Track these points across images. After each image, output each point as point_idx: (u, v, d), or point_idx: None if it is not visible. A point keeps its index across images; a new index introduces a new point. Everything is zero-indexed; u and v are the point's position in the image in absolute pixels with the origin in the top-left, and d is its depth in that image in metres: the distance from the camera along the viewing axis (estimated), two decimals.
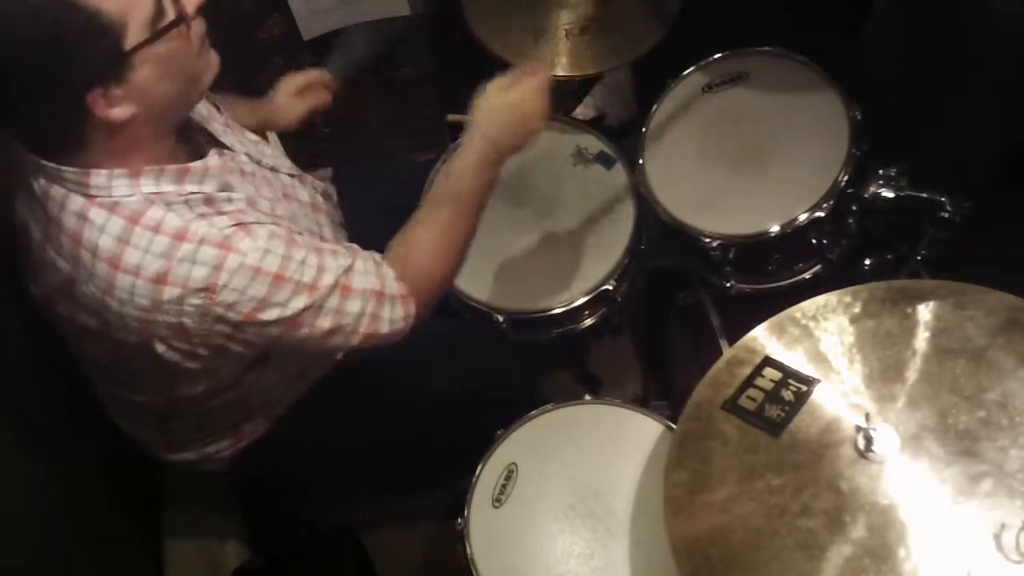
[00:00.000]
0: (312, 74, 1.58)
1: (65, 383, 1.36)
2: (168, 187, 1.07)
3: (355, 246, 1.23)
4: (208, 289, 1.03)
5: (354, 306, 1.14)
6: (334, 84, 1.61)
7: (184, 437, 1.36)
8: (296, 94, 1.55)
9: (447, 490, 1.60)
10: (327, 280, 1.11)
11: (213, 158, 1.14)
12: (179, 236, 1.03)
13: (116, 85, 0.99)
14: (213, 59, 1.11)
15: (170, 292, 1.03)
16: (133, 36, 0.97)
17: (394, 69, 1.92)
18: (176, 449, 1.39)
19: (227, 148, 1.23)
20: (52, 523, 1.34)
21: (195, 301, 1.04)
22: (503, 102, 1.25)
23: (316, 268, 1.10)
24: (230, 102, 1.42)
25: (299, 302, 1.08)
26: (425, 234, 1.24)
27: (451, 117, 1.44)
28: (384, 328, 1.18)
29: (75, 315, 1.11)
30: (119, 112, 1.00)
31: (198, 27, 1.06)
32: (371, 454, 1.48)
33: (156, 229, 1.03)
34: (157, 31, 0.99)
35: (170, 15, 1.00)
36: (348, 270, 1.14)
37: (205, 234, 1.04)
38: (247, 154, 1.27)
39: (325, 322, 1.12)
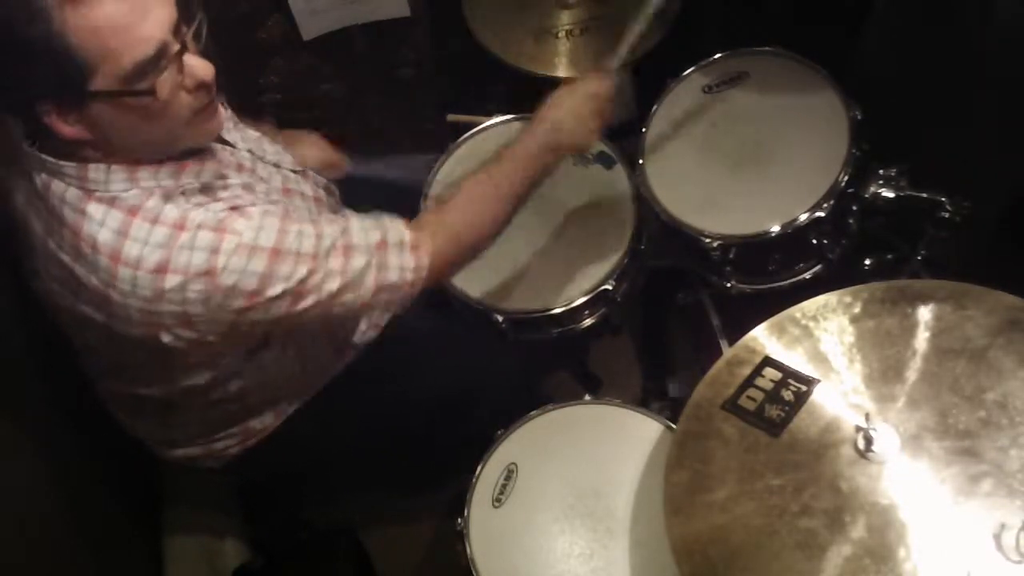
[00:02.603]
0: (336, 157, 1.59)
1: (65, 382, 1.36)
2: (166, 181, 1.07)
3: (351, 212, 1.24)
4: (208, 273, 1.03)
5: (358, 262, 1.14)
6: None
7: (188, 432, 1.36)
8: (316, 163, 1.54)
9: (447, 490, 1.60)
10: (326, 244, 1.11)
11: (209, 153, 1.14)
12: (177, 226, 1.03)
13: (71, 109, 0.98)
14: (215, 123, 1.10)
15: (171, 280, 1.03)
16: (101, 81, 0.96)
17: (394, 69, 1.92)
18: (180, 445, 1.39)
19: (228, 144, 1.23)
20: (52, 522, 1.34)
21: (197, 287, 1.04)
22: (573, 94, 1.30)
23: (314, 236, 1.10)
24: (256, 125, 1.42)
25: (302, 271, 1.08)
26: (463, 196, 1.27)
27: (451, 117, 1.44)
28: (393, 276, 1.17)
29: (78, 308, 1.12)
30: (69, 130, 0.99)
31: (195, 102, 1.04)
32: (371, 454, 1.49)
33: (154, 220, 1.03)
34: (124, 91, 0.97)
35: (160, 88, 0.98)
36: (345, 230, 1.14)
37: (202, 220, 1.04)
38: (249, 150, 1.27)
39: (332, 284, 1.12)
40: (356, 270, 1.13)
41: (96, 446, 1.46)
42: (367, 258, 1.14)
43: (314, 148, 1.56)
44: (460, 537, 1.26)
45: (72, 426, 1.43)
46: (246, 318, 1.09)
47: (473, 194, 1.26)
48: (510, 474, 1.31)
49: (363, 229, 1.17)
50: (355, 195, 1.54)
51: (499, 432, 1.35)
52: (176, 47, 0.99)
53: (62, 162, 1.04)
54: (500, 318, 1.50)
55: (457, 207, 1.26)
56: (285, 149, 1.38)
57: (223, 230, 1.04)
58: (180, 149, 1.10)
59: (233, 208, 1.08)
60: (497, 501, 1.29)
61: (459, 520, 1.27)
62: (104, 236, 1.03)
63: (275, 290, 1.07)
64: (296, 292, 1.09)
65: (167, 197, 1.05)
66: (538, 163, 1.28)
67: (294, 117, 1.91)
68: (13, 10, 0.91)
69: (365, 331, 1.43)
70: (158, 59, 0.97)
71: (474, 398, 1.44)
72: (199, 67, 1.03)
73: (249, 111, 1.51)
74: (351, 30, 1.80)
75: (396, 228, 1.19)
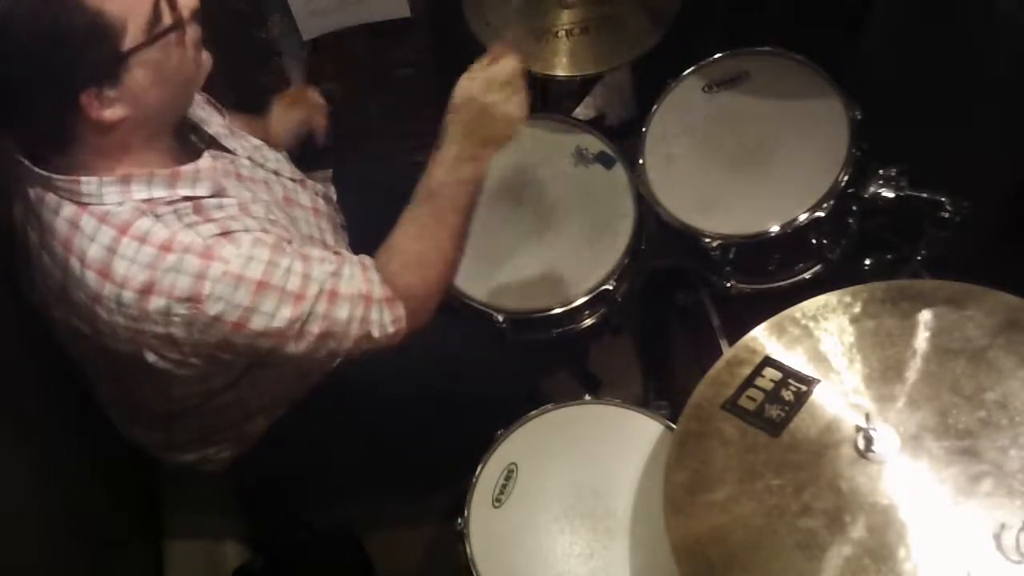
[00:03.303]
0: (299, 88, 1.59)
1: (64, 383, 1.36)
2: (160, 192, 1.06)
3: (344, 251, 1.22)
4: (193, 299, 1.03)
5: (342, 312, 1.13)
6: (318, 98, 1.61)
7: (185, 438, 1.36)
8: (287, 107, 1.55)
9: (447, 490, 1.60)
10: (313, 289, 1.10)
11: (206, 160, 1.13)
12: (165, 247, 1.03)
13: (110, 87, 0.99)
14: (206, 61, 1.11)
15: (156, 302, 1.03)
16: (131, 38, 0.98)
17: (394, 69, 1.92)
18: (177, 450, 1.39)
19: (228, 151, 1.23)
20: (51, 524, 1.33)
21: (181, 311, 1.03)
22: (469, 92, 1.18)
23: (302, 276, 1.09)
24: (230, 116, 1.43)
25: (286, 312, 1.07)
26: (405, 236, 1.20)
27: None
28: (374, 331, 1.16)
29: (70, 320, 1.11)
30: (111, 113, 1.00)
31: (193, 32, 1.06)
32: (371, 455, 1.48)
33: (143, 239, 1.03)
34: (154, 35, 1.00)
35: (167, 20, 1.01)
36: (335, 275, 1.13)
37: (190, 243, 1.03)
38: (249, 158, 1.27)
39: (314, 328, 1.11)
40: (340, 320, 1.12)
41: (95, 447, 1.45)
42: (350, 311, 1.13)
43: (294, 99, 1.58)
44: (460, 537, 1.26)
45: (71, 427, 1.43)
46: (229, 349, 1.09)
47: (412, 247, 1.20)
48: (510, 474, 1.31)
49: (351, 277, 1.14)
50: (355, 196, 1.54)
51: (499, 432, 1.35)
52: None
53: (55, 176, 1.04)
54: (500, 318, 1.50)
55: (403, 268, 1.19)
56: (285, 158, 1.39)
57: (211, 256, 1.03)
58: (193, 93, 1.13)
59: (223, 233, 1.06)
60: (497, 501, 1.29)
61: (459, 520, 1.27)
62: (94, 252, 1.03)
63: (257, 325, 1.07)
64: (278, 331, 1.08)
65: (159, 216, 1.05)
66: (461, 178, 1.19)
67: None
68: (56, 6, 0.93)
69: None
70: None
71: (474, 398, 1.44)
72: None
73: (249, 111, 1.52)
74: (351, 30, 1.80)
75: (377, 282, 1.17)
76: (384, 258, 1.20)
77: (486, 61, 1.20)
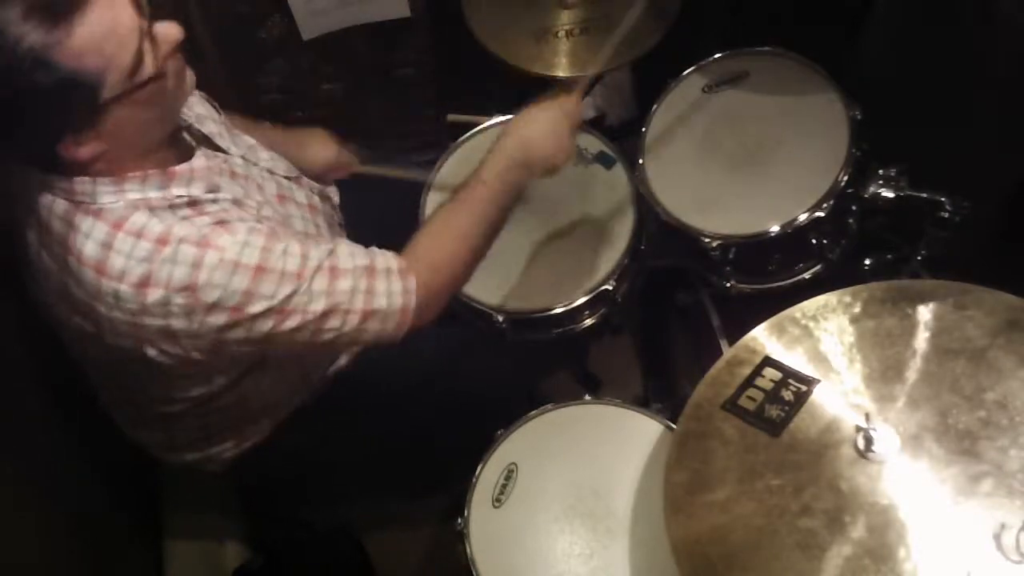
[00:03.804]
0: (345, 157, 1.58)
1: (64, 383, 1.36)
2: (153, 192, 1.06)
3: (342, 238, 1.23)
4: (190, 288, 1.03)
5: (344, 284, 1.12)
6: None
7: (186, 438, 1.36)
8: (329, 168, 1.55)
9: (447, 490, 1.60)
10: (312, 264, 1.10)
11: (199, 160, 1.13)
12: (161, 240, 1.03)
13: (87, 129, 0.99)
14: (188, 83, 1.10)
15: (154, 295, 1.03)
16: (110, 89, 0.97)
17: (394, 69, 1.92)
18: (178, 450, 1.39)
19: (221, 150, 1.23)
20: (51, 524, 1.34)
21: (179, 301, 1.04)
22: (543, 111, 1.28)
23: (300, 256, 1.09)
24: (262, 129, 1.44)
25: (286, 290, 1.07)
26: (438, 220, 1.25)
27: (451, 117, 1.44)
28: (382, 302, 1.15)
29: (71, 318, 1.12)
30: (86, 151, 1.00)
31: (174, 64, 1.05)
32: (372, 455, 1.48)
33: (139, 234, 1.03)
34: (135, 85, 0.98)
35: (148, 68, 0.99)
36: (332, 252, 1.13)
37: (184, 234, 1.03)
38: (243, 156, 1.27)
39: (317, 305, 1.10)
40: (342, 292, 1.12)
41: (96, 448, 1.46)
42: (353, 282, 1.13)
43: (323, 149, 1.56)
44: (460, 537, 1.26)
45: (71, 427, 1.43)
46: (230, 335, 1.08)
47: (448, 225, 1.24)
48: (510, 474, 1.31)
49: (351, 254, 1.15)
50: (354, 196, 1.54)
51: (499, 432, 1.35)
52: (145, 23, 0.99)
53: (51, 175, 1.04)
54: (500, 318, 1.50)
55: (434, 241, 1.23)
56: (280, 155, 1.38)
57: (206, 245, 1.03)
58: (177, 121, 1.12)
59: (219, 223, 1.06)
60: (497, 501, 1.29)
61: (459, 520, 1.27)
62: (89, 249, 1.03)
63: (257, 308, 1.06)
64: (279, 311, 1.08)
65: (153, 211, 1.05)
66: (508, 181, 1.25)
67: (294, 117, 1.91)
68: (10, 67, 0.91)
69: None
70: (142, 41, 0.98)
71: (474, 398, 1.44)
72: (170, 31, 1.02)
73: (249, 111, 1.52)
74: (351, 30, 1.80)
75: (385, 256, 1.18)
76: (417, 234, 1.24)
77: (560, 94, 1.31)
